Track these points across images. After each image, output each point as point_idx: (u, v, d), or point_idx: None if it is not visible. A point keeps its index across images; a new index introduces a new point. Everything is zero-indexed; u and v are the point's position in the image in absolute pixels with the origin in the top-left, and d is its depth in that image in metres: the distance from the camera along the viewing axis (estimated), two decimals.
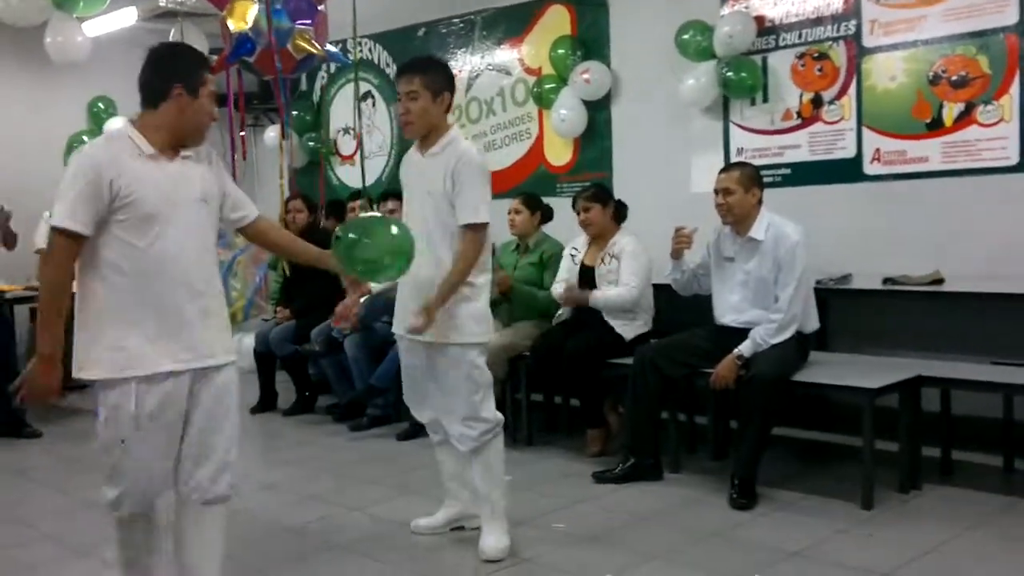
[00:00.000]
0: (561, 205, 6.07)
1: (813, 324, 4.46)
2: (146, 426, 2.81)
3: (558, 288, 5.24)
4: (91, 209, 2.74)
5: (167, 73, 2.88)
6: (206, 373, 2.91)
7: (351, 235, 3.22)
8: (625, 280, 4.98)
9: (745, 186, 4.38)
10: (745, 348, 4.28)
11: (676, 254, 4.61)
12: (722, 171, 4.52)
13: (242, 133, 7.02)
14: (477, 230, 3.55)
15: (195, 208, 2.90)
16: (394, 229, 3.31)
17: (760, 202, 4.42)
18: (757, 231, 4.37)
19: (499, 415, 3.71)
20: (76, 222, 2.73)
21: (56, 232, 2.76)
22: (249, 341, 6.70)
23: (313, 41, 6.20)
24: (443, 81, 3.63)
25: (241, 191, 3.18)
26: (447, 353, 3.60)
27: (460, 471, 3.86)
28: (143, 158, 2.82)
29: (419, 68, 3.63)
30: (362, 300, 5.68)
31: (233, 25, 6.04)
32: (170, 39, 6.83)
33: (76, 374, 2.82)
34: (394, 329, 3.83)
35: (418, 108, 3.57)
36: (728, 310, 4.50)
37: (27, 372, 2.82)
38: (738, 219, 4.41)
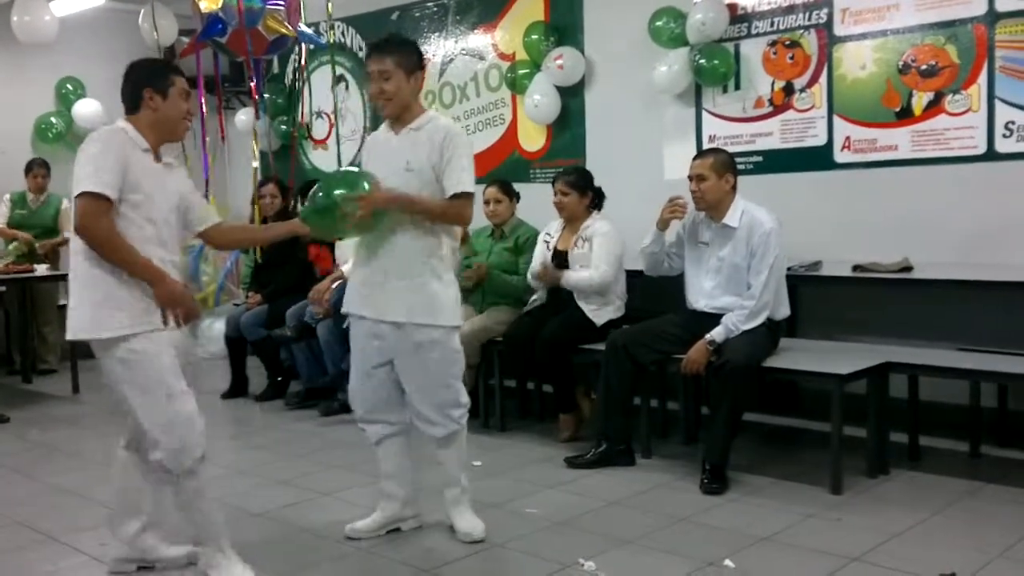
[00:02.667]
0: (535, 191, 6.09)
1: (784, 311, 4.49)
2: None
3: (535, 267, 5.26)
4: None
5: (137, 81, 3.32)
6: None
7: (311, 197, 3.52)
8: (595, 263, 4.99)
9: (718, 172, 4.39)
10: (717, 334, 4.31)
11: (664, 224, 4.59)
12: (696, 157, 4.54)
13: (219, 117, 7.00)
14: (465, 199, 3.54)
15: (174, 210, 3.36)
16: (341, 171, 3.63)
17: (734, 188, 4.44)
18: (731, 218, 4.39)
19: (468, 399, 3.74)
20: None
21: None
22: (220, 326, 6.67)
23: (285, 22, 6.16)
24: (416, 60, 3.61)
25: (200, 198, 3.58)
26: (430, 335, 3.54)
27: (399, 470, 3.77)
28: (140, 151, 3.25)
29: (391, 47, 3.59)
30: (334, 286, 5.68)
31: (204, 5, 5.99)
32: (140, 20, 6.77)
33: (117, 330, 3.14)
34: (359, 311, 3.65)
35: (392, 87, 3.54)
36: (701, 295, 4.53)
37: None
38: (711, 205, 4.43)
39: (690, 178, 4.46)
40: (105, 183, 3.08)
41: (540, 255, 5.31)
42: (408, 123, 3.60)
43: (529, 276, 5.32)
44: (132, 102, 3.33)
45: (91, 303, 3.16)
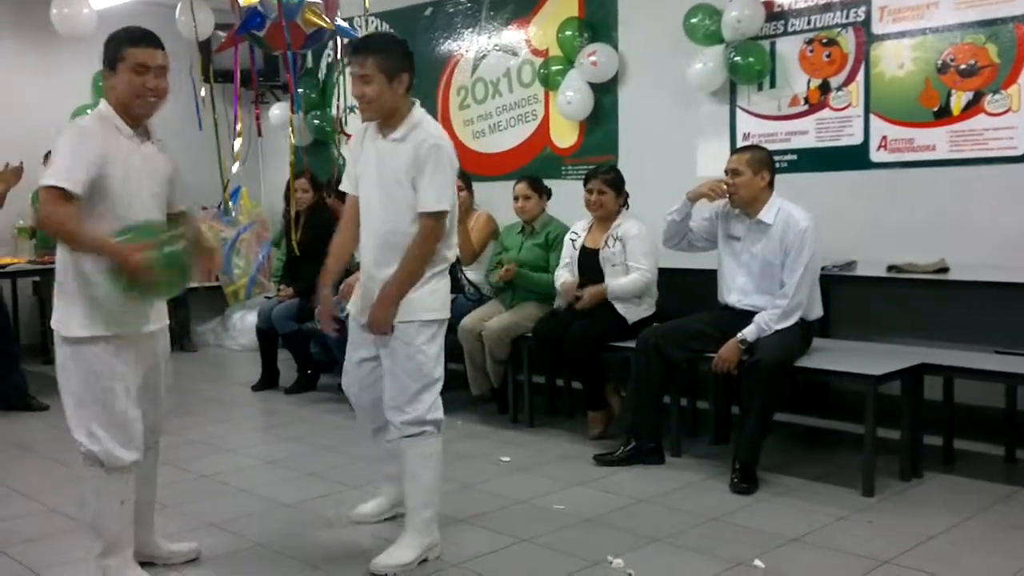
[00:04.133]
0: (566, 187, 6.08)
1: (817, 312, 4.45)
2: None
3: (562, 276, 5.23)
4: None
5: (103, 59, 3.17)
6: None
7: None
8: (636, 263, 4.97)
9: (754, 169, 4.37)
10: (749, 332, 4.28)
11: (695, 197, 4.53)
12: (734, 152, 4.53)
13: (256, 111, 7.01)
14: (437, 219, 3.33)
15: (156, 193, 3.23)
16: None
17: (770, 185, 4.41)
18: (766, 215, 4.37)
19: (436, 415, 3.42)
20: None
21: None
22: (251, 318, 6.71)
23: (323, 15, 6.17)
24: (398, 61, 3.34)
25: (178, 180, 3.38)
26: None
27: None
28: (124, 138, 3.15)
29: (370, 48, 3.35)
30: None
31: None
32: (177, 14, 6.81)
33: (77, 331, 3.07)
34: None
35: (372, 91, 3.31)
36: (734, 289, 4.50)
37: None
38: (745, 201, 4.41)
39: (726, 172, 4.44)
40: (73, 180, 2.94)
41: (568, 254, 5.30)
42: (394, 129, 3.38)
43: (558, 285, 5.25)
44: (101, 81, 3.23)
45: (81, 300, 3.07)
